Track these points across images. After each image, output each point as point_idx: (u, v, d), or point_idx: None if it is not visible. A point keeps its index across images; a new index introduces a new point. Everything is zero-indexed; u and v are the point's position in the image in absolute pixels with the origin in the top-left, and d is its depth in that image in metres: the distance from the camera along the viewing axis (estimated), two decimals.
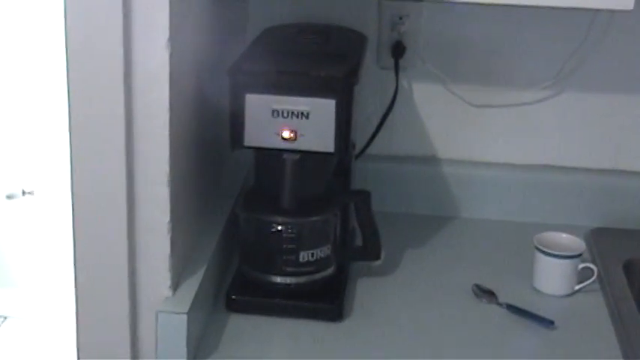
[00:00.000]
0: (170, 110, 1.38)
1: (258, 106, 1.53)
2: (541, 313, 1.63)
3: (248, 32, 1.93)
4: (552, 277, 1.72)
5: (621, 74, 1.95)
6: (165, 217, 1.42)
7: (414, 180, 2.02)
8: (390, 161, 2.02)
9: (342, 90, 1.53)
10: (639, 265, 1.83)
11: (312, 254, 1.61)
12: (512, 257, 1.84)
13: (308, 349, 1.54)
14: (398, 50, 1.95)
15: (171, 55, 1.35)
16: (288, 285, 1.62)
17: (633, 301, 1.69)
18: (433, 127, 2.03)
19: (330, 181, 1.67)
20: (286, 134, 1.54)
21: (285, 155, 1.57)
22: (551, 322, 1.61)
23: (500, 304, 1.67)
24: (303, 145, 1.54)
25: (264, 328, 1.58)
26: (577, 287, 1.72)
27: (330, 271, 1.65)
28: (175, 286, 1.48)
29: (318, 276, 1.63)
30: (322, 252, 1.62)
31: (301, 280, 1.62)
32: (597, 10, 1.83)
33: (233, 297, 1.62)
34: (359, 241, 1.73)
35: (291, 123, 1.53)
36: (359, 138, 1.90)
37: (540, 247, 1.72)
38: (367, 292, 1.70)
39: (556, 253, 1.70)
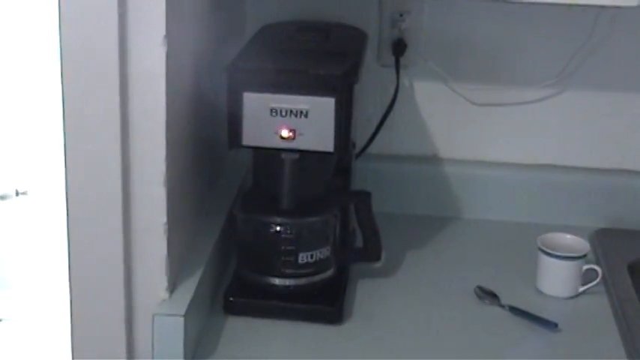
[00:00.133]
0: (166, 109, 1.37)
1: (256, 104, 1.53)
2: (544, 315, 1.63)
3: (246, 30, 1.93)
4: (556, 278, 1.72)
5: (625, 72, 1.95)
6: (162, 218, 1.42)
7: (415, 180, 2.02)
8: (391, 161, 2.02)
9: (341, 88, 1.53)
10: None
11: (312, 256, 1.61)
12: (515, 258, 1.84)
13: (307, 353, 1.54)
14: (399, 48, 1.95)
15: (167, 53, 1.35)
16: (287, 287, 1.62)
17: (638, 302, 1.69)
18: (434, 126, 2.03)
19: (330, 181, 1.67)
20: (285, 133, 1.53)
21: (284, 155, 1.57)
22: (555, 325, 1.61)
23: (502, 306, 1.67)
24: (302, 144, 1.54)
25: (263, 331, 1.58)
26: (581, 289, 1.72)
27: (329, 272, 1.65)
28: (172, 288, 1.48)
29: (317, 278, 1.63)
30: (322, 253, 1.62)
31: (300, 282, 1.62)
32: (601, 8, 1.83)
33: (231, 299, 1.62)
34: (359, 243, 1.72)
35: (289, 122, 1.53)
36: (359, 137, 1.90)
37: (544, 248, 1.72)
38: (367, 294, 1.70)
39: (560, 254, 1.70)
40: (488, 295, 1.70)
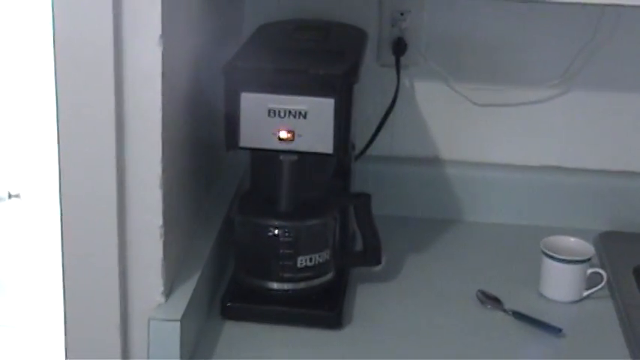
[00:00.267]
0: (163, 109, 1.37)
1: (254, 105, 1.53)
2: (548, 320, 1.63)
3: (244, 29, 1.93)
4: (560, 282, 1.72)
5: (631, 72, 1.95)
6: (158, 221, 1.42)
7: (415, 182, 2.02)
8: (391, 162, 2.02)
9: (341, 89, 1.53)
10: None
11: (311, 259, 1.61)
12: (518, 262, 1.84)
13: (306, 358, 1.54)
14: (399, 47, 1.95)
15: (163, 53, 1.35)
16: (286, 291, 1.62)
17: None
18: (436, 127, 2.03)
19: (329, 183, 1.67)
20: (283, 134, 1.53)
21: (282, 156, 1.57)
22: (559, 330, 1.61)
23: (505, 311, 1.67)
24: (300, 145, 1.54)
25: (261, 336, 1.58)
26: (585, 293, 1.72)
27: (328, 276, 1.65)
28: (168, 292, 1.48)
29: (316, 282, 1.63)
30: (321, 257, 1.62)
31: (299, 286, 1.62)
32: (606, 6, 1.83)
33: (228, 304, 1.62)
34: (359, 246, 1.72)
35: (288, 123, 1.53)
36: (359, 138, 1.90)
37: (547, 252, 1.72)
38: (367, 299, 1.70)
39: (564, 257, 1.70)
40: (490, 300, 1.70)
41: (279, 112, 1.53)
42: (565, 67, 1.95)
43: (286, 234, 1.59)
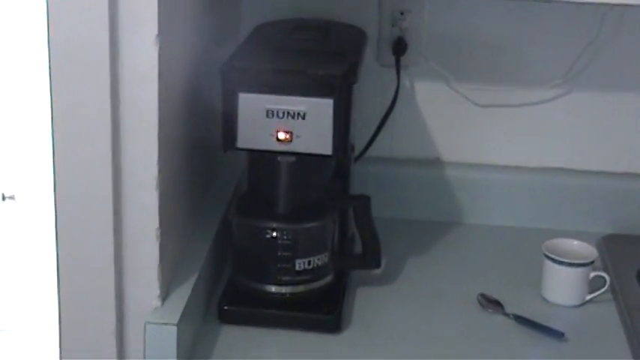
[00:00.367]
0: (159, 110, 1.37)
1: (251, 105, 1.53)
2: (550, 324, 1.63)
3: (241, 28, 1.93)
4: (562, 286, 1.72)
5: (634, 72, 1.96)
6: (154, 223, 1.42)
7: (415, 184, 2.02)
8: (391, 164, 2.02)
9: (340, 89, 1.53)
10: None
11: (309, 262, 1.61)
12: (520, 265, 1.84)
13: None
14: (399, 47, 1.95)
15: (160, 52, 1.35)
16: (284, 295, 1.62)
17: None
18: (436, 128, 2.03)
19: (328, 185, 1.67)
20: (281, 135, 1.53)
21: (281, 158, 1.57)
22: (562, 334, 1.61)
23: (507, 315, 1.67)
24: (299, 147, 1.54)
25: (258, 340, 1.58)
26: (588, 297, 1.72)
27: (327, 280, 1.65)
28: (164, 295, 1.48)
29: (315, 285, 1.63)
30: (319, 260, 1.62)
31: (297, 289, 1.62)
32: (609, 5, 1.83)
33: (225, 307, 1.62)
34: (358, 249, 1.72)
35: (286, 124, 1.53)
36: (358, 139, 1.90)
37: (549, 255, 1.72)
38: (367, 302, 1.70)
39: (566, 261, 1.70)
40: (491, 304, 1.70)
41: (278, 112, 1.53)
42: (568, 67, 1.95)
43: (284, 236, 1.59)
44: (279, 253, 1.59)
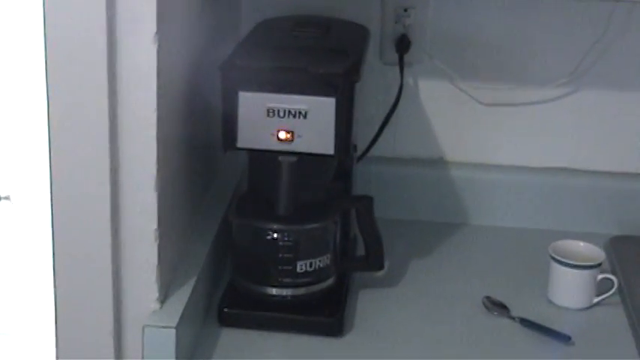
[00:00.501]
0: (158, 109, 1.37)
1: (252, 104, 1.53)
2: (557, 327, 1.63)
3: (241, 26, 1.93)
4: (569, 288, 1.72)
5: None
6: (153, 225, 1.42)
7: (419, 184, 2.02)
8: (394, 164, 2.02)
9: (342, 87, 1.53)
10: None
11: (311, 264, 1.61)
12: (526, 267, 1.84)
13: None
14: (403, 45, 1.95)
15: (158, 50, 1.35)
16: (285, 297, 1.62)
17: None
18: (440, 127, 2.03)
19: (330, 185, 1.67)
20: (282, 135, 1.53)
21: (282, 157, 1.57)
22: (568, 338, 1.61)
23: (512, 318, 1.67)
24: (300, 146, 1.54)
25: (259, 343, 1.58)
26: (596, 300, 1.72)
27: (329, 282, 1.65)
28: (163, 298, 1.48)
29: (316, 287, 1.63)
30: (321, 262, 1.62)
31: (299, 291, 1.62)
32: (616, 2, 1.83)
33: (225, 310, 1.62)
34: (361, 250, 1.73)
35: (287, 123, 1.53)
36: (360, 139, 1.90)
37: (556, 257, 1.72)
38: (369, 305, 1.70)
39: (573, 263, 1.70)
40: (497, 306, 1.70)
41: (279, 111, 1.53)
42: (574, 66, 1.95)
43: (285, 238, 1.59)
44: (280, 255, 1.59)
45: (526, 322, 1.65)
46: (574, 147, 2.01)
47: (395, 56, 1.96)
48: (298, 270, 1.60)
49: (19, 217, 3.54)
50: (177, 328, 1.43)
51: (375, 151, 1.97)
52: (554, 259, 1.72)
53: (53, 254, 1.44)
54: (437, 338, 1.62)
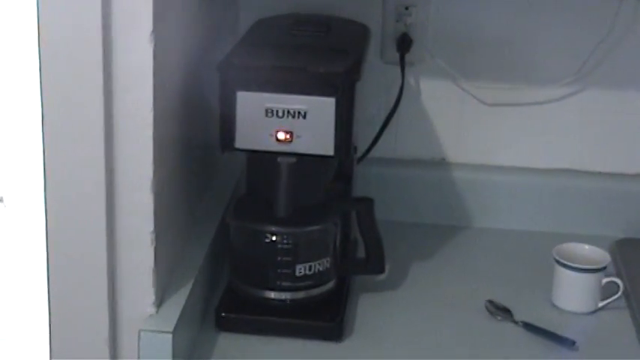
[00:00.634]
0: (154, 109, 1.37)
1: (250, 104, 1.53)
2: (561, 332, 1.63)
3: (240, 24, 1.93)
4: (574, 292, 1.72)
5: None
6: (149, 227, 1.42)
7: (420, 186, 2.02)
8: (395, 165, 2.02)
9: (342, 87, 1.53)
10: None
11: (310, 267, 1.61)
12: (530, 271, 1.84)
13: None
14: (404, 43, 1.95)
15: (155, 49, 1.35)
16: (284, 301, 1.61)
17: None
18: (442, 127, 2.03)
19: (330, 187, 1.67)
20: (281, 136, 1.53)
21: (280, 159, 1.57)
22: (573, 343, 1.61)
23: (516, 323, 1.67)
24: (299, 147, 1.54)
25: (258, 348, 1.58)
26: (601, 304, 1.72)
27: (329, 285, 1.65)
28: (159, 302, 1.48)
29: (316, 291, 1.63)
30: (321, 265, 1.62)
31: (298, 295, 1.62)
32: None
33: (223, 314, 1.62)
34: (361, 253, 1.72)
35: (286, 123, 1.53)
36: (361, 140, 1.90)
37: (560, 260, 1.71)
38: (370, 309, 1.70)
39: (578, 266, 1.70)
40: (500, 311, 1.70)
41: (277, 111, 1.53)
42: (579, 64, 1.95)
43: (284, 240, 1.59)
44: (279, 258, 1.59)
45: (530, 327, 1.65)
46: (579, 148, 2.01)
47: (396, 55, 1.96)
48: (297, 273, 1.60)
49: (12, 220, 3.55)
50: (173, 332, 1.43)
51: (375, 152, 1.97)
52: (558, 262, 1.72)
53: (47, 257, 1.44)
54: (439, 343, 1.62)
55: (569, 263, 1.70)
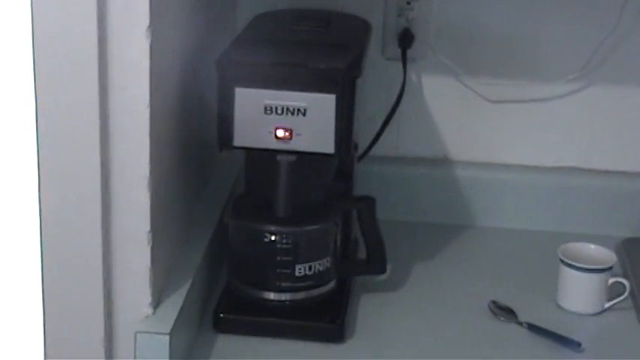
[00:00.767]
0: (150, 106, 1.37)
1: (249, 101, 1.53)
2: (566, 333, 1.63)
3: (238, 19, 1.93)
4: (579, 293, 1.72)
5: None
6: (145, 226, 1.42)
7: (423, 184, 2.02)
8: (397, 163, 2.02)
9: (343, 84, 1.53)
10: None
11: (310, 267, 1.61)
12: (534, 271, 1.84)
13: None
14: (406, 39, 1.95)
15: (151, 45, 1.34)
16: (283, 302, 1.61)
17: None
18: (445, 125, 2.03)
19: (330, 185, 1.67)
20: (281, 133, 1.53)
21: (280, 157, 1.56)
22: (578, 344, 1.61)
23: (520, 324, 1.67)
24: (299, 145, 1.54)
25: (257, 349, 1.58)
26: (607, 305, 1.72)
27: (329, 286, 1.65)
28: (156, 303, 1.47)
29: (316, 292, 1.63)
30: (321, 265, 1.62)
31: (298, 296, 1.62)
32: None
33: (221, 315, 1.62)
34: (362, 253, 1.72)
35: (286, 120, 1.53)
36: (362, 137, 1.90)
37: (566, 260, 1.71)
38: (371, 310, 1.70)
39: (583, 266, 1.70)
40: (504, 311, 1.70)
41: (277, 108, 1.53)
42: (584, 61, 1.94)
43: (284, 240, 1.59)
44: (279, 258, 1.59)
45: (534, 328, 1.65)
46: (584, 145, 2.01)
47: (397, 51, 1.96)
48: (297, 274, 1.60)
49: (5, 219, 3.54)
50: (170, 334, 1.43)
51: (376, 150, 1.97)
52: (563, 262, 1.72)
53: (41, 257, 1.44)
54: (441, 344, 1.62)
55: (574, 263, 1.70)
